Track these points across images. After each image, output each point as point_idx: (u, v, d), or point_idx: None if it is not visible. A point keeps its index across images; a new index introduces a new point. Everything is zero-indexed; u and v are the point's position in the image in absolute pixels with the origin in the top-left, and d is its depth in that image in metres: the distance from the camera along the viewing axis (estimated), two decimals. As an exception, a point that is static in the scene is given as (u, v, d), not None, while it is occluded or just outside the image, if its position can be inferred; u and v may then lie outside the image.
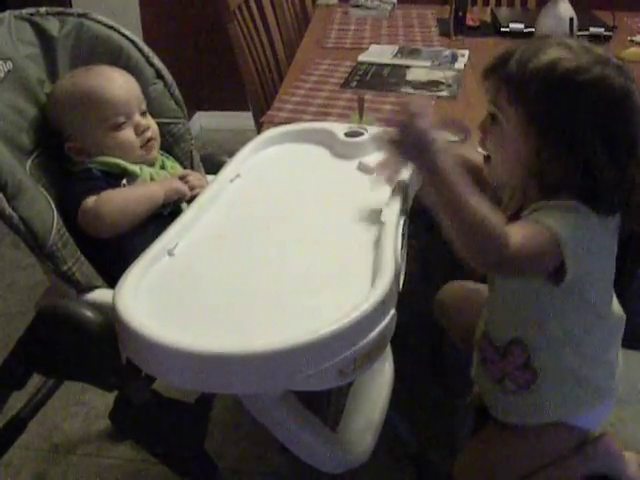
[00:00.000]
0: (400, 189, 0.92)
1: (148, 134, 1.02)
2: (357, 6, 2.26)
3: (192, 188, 1.03)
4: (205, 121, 3.01)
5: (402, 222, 0.86)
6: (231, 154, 1.08)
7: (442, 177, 0.76)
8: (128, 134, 0.99)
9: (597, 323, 0.90)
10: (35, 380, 1.04)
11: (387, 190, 0.94)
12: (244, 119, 2.59)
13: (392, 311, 0.74)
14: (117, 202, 0.93)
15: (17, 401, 1.19)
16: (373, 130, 1.07)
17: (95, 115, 0.97)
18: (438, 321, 1.21)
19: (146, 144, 1.02)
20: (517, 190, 0.93)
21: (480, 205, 0.75)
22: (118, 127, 0.99)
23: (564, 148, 0.81)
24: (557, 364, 0.90)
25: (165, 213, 0.99)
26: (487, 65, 0.87)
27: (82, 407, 1.55)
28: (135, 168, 1.00)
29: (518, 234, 0.78)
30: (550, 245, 0.78)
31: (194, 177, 1.06)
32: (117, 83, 1.00)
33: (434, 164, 0.76)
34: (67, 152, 1.00)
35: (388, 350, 1.12)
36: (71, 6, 2.29)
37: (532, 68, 0.81)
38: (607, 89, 0.79)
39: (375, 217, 0.87)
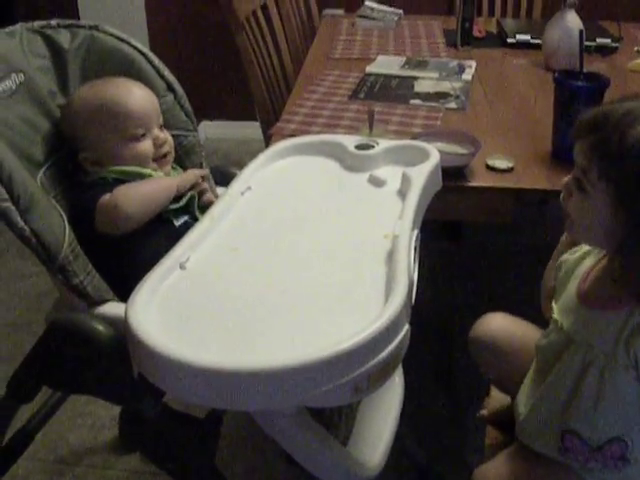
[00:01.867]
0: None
1: (165, 149, 1.03)
2: (363, 17, 2.27)
3: (201, 193, 1.04)
4: (210, 131, 3.01)
5: (414, 235, 0.86)
6: (237, 163, 1.09)
7: None
8: (146, 145, 1.00)
9: None
10: (41, 393, 1.04)
11: (399, 203, 0.93)
12: (249, 129, 2.60)
13: (406, 326, 0.73)
14: (134, 192, 0.94)
15: (23, 413, 1.18)
16: (384, 143, 1.07)
17: (114, 126, 0.98)
18: (474, 360, 1.09)
19: (161, 159, 1.03)
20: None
21: None
22: (137, 139, 0.99)
23: None
24: None
25: (177, 224, 0.99)
26: (582, 122, 0.79)
27: (87, 418, 1.54)
28: (151, 172, 1.01)
29: None
30: None
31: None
32: (137, 95, 1.01)
33: None
34: (82, 162, 1.00)
35: (398, 364, 1.11)
36: (79, 18, 2.30)
37: (629, 142, 0.73)
38: None
39: (387, 230, 0.86)
